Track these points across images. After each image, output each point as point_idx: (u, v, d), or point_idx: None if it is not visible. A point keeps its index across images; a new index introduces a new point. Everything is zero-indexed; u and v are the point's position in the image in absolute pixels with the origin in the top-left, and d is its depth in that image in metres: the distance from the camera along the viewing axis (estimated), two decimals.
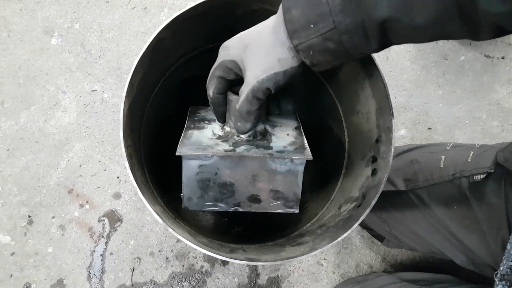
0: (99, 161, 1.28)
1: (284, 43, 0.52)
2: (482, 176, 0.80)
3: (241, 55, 0.57)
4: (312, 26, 0.46)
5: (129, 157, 0.67)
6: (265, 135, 0.75)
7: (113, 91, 1.35)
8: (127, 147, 0.67)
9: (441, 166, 0.89)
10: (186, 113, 1.10)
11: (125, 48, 1.39)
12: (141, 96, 0.79)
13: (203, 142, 0.70)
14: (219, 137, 0.72)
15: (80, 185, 1.25)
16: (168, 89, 0.95)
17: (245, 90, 0.59)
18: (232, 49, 0.59)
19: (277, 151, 0.69)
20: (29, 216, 1.21)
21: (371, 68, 0.74)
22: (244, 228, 1.12)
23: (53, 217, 1.22)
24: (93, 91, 1.34)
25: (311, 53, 0.49)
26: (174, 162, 1.12)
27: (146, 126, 0.89)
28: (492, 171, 0.79)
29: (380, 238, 1.19)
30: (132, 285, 1.19)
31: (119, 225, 1.24)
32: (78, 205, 1.24)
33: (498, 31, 0.42)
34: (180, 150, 0.66)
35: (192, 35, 0.82)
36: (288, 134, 0.78)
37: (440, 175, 0.88)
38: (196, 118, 0.79)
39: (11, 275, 1.17)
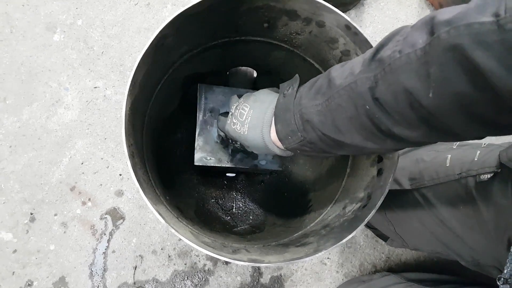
0: (102, 158, 1.27)
1: (273, 148, 0.70)
2: (489, 176, 0.79)
3: (244, 145, 0.78)
4: (290, 137, 0.62)
5: (131, 156, 0.66)
6: None
7: (115, 88, 1.34)
8: (129, 146, 0.66)
9: (447, 165, 0.88)
10: (189, 110, 1.09)
11: (127, 45, 1.38)
12: (144, 94, 0.78)
13: (211, 147, 0.97)
14: (222, 141, 0.97)
15: (83, 182, 1.25)
16: (171, 87, 0.94)
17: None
18: (235, 139, 0.78)
19: (259, 160, 1.02)
20: (31, 214, 1.21)
21: None
22: (247, 226, 1.11)
23: (55, 215, 1.21)
24: (95, 87, 1.33)
25: (298, 152, 0.66)
26: (175, 159, 1.12)
27: (148, 124, 0.88)
28: (499, 170, 0.78)
29: (384, 238, 1.18)
30: (135, 283, 1.19)
31: (122, 222, 1.23)
32: (80, 202, 1.23)
33: (420, 144, 0.54)
34: (196, 159, 0.95)
35: (195, 32, 0.80)
36: None
37: (446, 174, 0.87)
38: (203, 107, 0.99)
39: (13, 273, 1.17)
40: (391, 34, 0.49)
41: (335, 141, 0.57)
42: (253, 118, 0.71)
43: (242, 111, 0.74)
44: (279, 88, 0.70)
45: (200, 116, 0.97)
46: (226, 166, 0.97)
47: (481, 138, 0.48)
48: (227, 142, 0.96)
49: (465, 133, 0.46)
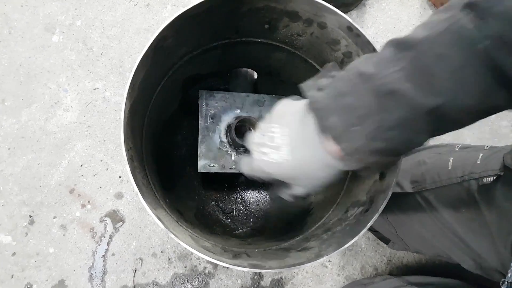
0: (101, 161, 1.26)
1: (331, 167, 0.53)
2: (491, 179, 0.78)
3: (285, 180, 0.59)
4: (357, 127, 0.45)
5: (130, 160, 0.65)
6: None
7: (115, 89, 1.33)
8: (128, 149, 0.65)
9: (450, 167, 0.87)
10: (189, 112, 1.08)
11: (127, 46, 1.37)
12: (143, 96, 0.77)
13: (214, 154, 0.96)
14: (224, 146, 0.96)
15: (82, 184, 1.24)
16: (171, 88, 0.93)
17: (291, 193, 0.62)
18: (275, 175, 0.59)
19: None
20: (30, 216, 1.20)
21: None
22: (248, 229, 1.10)
23: (55, 217, 1.21)
24: (95, 89, 1.32)
25: (359, 156, 0.48)
26: (175, 161, 1.11)
27: (148, 126, 0.87)
28: (502, 173, 0.77)
29: (386, 241, 1.17)
30: (134, 286, 1.18)
31: (121, 225, 1.22)
32: (79, 205, 1.22)
33: None
34: (200, 167, 0.94)
35: (196, 33, 0.79)
36: None
37: (448, 177, 0.86)
38: (205, 113, 0.97)
39: (12, 276, 1.16)
40: None
41: (427, 115, 0.43)
42: (293, 133, 0.55)
43: (272, 134, 0.57)
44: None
45: (202, 123, 0.96)
46: (230, 172, 0.97)
47: None
48: (230, 144, 0.96)
49: None
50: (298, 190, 0.60)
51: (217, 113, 0.98)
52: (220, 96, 0.98)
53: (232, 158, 0.97)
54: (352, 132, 0.46)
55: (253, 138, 0.61)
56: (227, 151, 0.97)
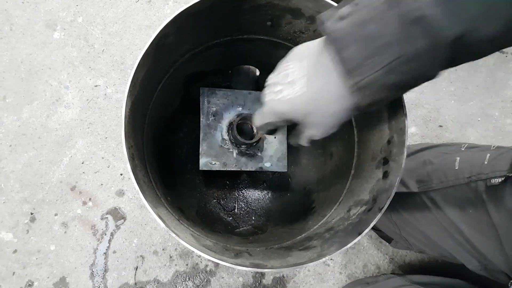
0: (102, 158, 1.26)
1: (345, 100, 0.51)
2: (500, 180, 0.77)
3: (298, 119, 0.58)
4: (375, 57, 0.43)
5: (131, 158, 0.64)
6: (258, 141, 0.96)
7: (116, 86, 1.32)
8: (129, 148, 0.64)
9: (456, 168, 0.86)
10: (191, 109, 1.08)
11: (128, 42, 1.36)
12: (144, 94, 0.76)
13: (216, 152, 0.96)
14: (226, 144, 0.96)
15: (83, 182, 1.23)
16: (172, 86, 0.93)
17: (305, 137, 0.61)
18: (288, 113, 0.57)
19: (264, 162, 1.00)
20: (32, 213, 1.20)
21: None
22: (250, 227, 1.09)
23: (56, 215, 1.20)
24: (96, 86, 1.31)
25: (369, 92, 0.47)
26: (177, 159, 1.10)
27: (149, 124, 0.86)
28: (511, 174, 0.76)
29: (388, 239, 1.16)
30: (136, 283, 1.18)
31: (123, 223, 1.22)
32: (81, 202, 1.22)
33: None
34: (201, 165, 0.94)
35: (197, 31, 0.78)
36: (275, 137, 1.03)
37: (455, 177, 0.85)
38: (207, 110, 0.97)
39: (14, 273, 1.16)
40: None
41: (450, 45, 0.41)
42: (310, 65, 0.53)
43: (286, 71, 0.56)
44: None
45: (203, 120, 0.96)
46: (231, 170, 0.97)
47: None
48: (231, 142, 0.96)
49: None
50: (312, 131, 0.59)
51: (219, 110, 0.97)
52: (222, 93, 0.98)
53: (234, 155, 0.97)
54: (368, 65, 0.44)
55: (267, 80, 0.60)
56: (229, 148, 0.97)
